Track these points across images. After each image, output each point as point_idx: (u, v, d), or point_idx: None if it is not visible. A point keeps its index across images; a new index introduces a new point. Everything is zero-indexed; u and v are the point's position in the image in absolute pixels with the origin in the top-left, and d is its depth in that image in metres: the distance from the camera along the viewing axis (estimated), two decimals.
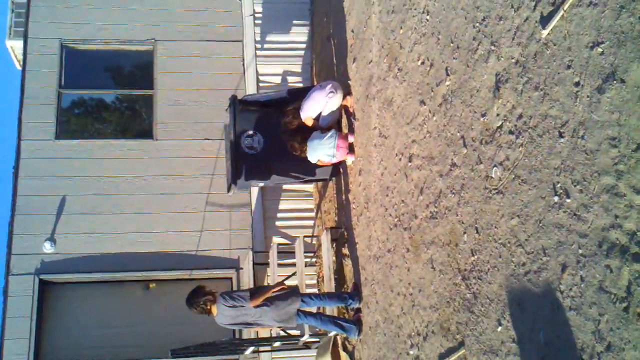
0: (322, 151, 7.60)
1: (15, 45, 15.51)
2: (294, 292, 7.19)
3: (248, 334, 8.83)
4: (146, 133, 10.46)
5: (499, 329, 4.05)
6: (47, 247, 9.38)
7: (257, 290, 7.24)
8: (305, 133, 7.79)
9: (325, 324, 7.28)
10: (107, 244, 9.61)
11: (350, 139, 7.74)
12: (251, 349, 8.40)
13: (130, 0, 10.76)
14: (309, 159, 7.72)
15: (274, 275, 8.67)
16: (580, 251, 3.26)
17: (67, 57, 10.50)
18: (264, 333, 8.43)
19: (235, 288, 9.63)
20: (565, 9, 3.41)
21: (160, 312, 9.70)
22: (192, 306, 7.01)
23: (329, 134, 7.63)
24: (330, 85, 7.78)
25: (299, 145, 7.72)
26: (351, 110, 7.88)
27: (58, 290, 9.55)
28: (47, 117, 10.07)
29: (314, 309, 7.45)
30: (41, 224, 9.53)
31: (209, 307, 6.97)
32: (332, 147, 7.54)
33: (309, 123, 7.84)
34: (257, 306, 6.91)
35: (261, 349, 8.72)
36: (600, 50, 3.14)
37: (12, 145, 10.23)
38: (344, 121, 8.24)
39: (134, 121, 10.98)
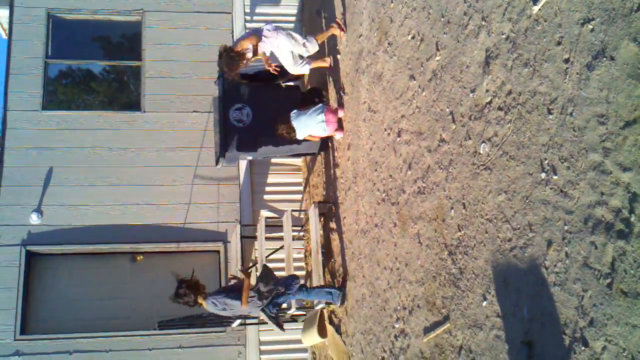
0: (311, 127, 7.57)
1: (1, 15, 15.26)
2: (270, 276, 7.07)
3: None
4: (134, 105, 10.38)
5: (484, 303, 4.09)
6: (34, 219, 9.34)
7: (233, 288, 7.06)
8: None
9: (311, 294, 7.34)
10: (94, 216, 9.57)
11: (340, 114, 7.71)
12: (238, 321, 8.45)
13: None
14: (298, 137, 7.67)
15: (261, 248, 8.69)
16: (566, 227, 3.28)
17: (54, 26, 10.36)
18: None
19: (222, 262, 9.64)
20: None
21: (147, 284, 9.70)
22: (179, 301, 6.86)
23: (315, 107, 7.59)
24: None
25: (286, 126, 7.64)
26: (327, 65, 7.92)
27: (45, 261, 9.53)
28: (33, 88, 9.95)
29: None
30: (28, 195, 9.47)
31: (199, 302, 6.84)
32: (321, 121, 7.51)
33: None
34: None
35: (248, 321, 8.77)
36: (590, 27, 3.13)
37: None
38: (333, 95, 8.21)
39: (122, 93, 10.89)
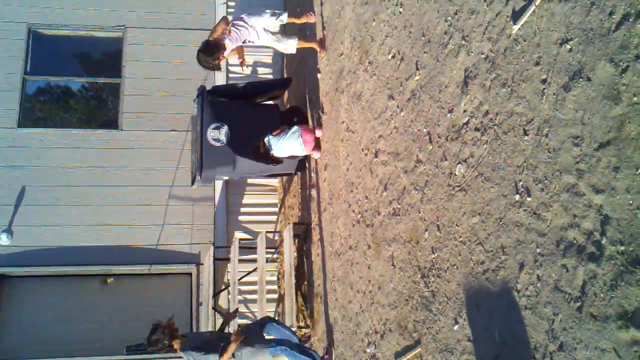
0: (289, 147, 7.51)
1: None
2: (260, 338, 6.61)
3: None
4: (111, 123, 10.26)
5: (456, 327, 4.00)
6: (4, 239, 9.13)
7: (220, 337, 6.50)
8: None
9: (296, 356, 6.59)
10: (66, 237, 9.38)
11: (318, 133, 7.67)
12: None
13: None
14: (277, 156, 7.60)
15: (234, 271, 8.55)
16: (538, 250, 3.22)
17: (34, 42, 10.24)
18: None
19: (194, 285, 9.46)
20: (537, 4, 3.37)
21: (118, 307, 9.50)
22: (152, 348, 6.25)
23: (292, 129, 7.53)
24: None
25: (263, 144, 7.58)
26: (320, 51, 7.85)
27: (14, 283, 9.30)
28: (10, 104, 9.79)
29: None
30: None
31: (174, 347, 6.27)
32: (298, 144, 7.46)
33: None
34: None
35: None
36: (568, 47, 3.10)
37: None
38: (312, 114, 8.17)
39: (100, 110, 10.78)
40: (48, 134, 9.85)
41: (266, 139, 7.53)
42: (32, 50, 10.20)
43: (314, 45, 7.83)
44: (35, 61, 10.22)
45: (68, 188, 9.58)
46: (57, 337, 9.15)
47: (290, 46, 7.74)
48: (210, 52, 7.09)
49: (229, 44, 7.20)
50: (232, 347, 6.10)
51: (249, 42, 7.53)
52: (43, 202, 9.45)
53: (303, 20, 8.12)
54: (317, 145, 7.65)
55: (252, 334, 6.44)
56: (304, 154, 7.66)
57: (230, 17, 7.59)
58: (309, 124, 8.13)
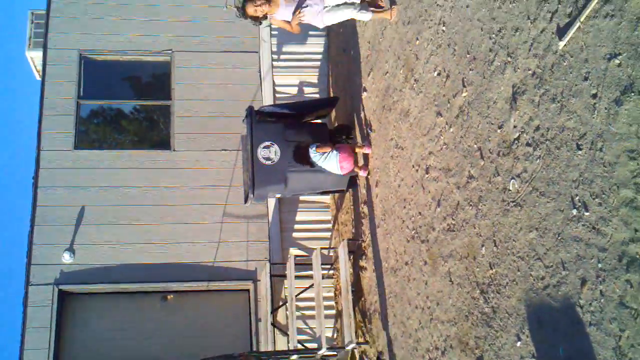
0: (329, 168, 7.80)
1: (35, 56, 15.66)
2: None
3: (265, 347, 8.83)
4: (164, 143, 10.48)
5: (518, 344, 4.00)
6: (66, 258, 9.42)
7: None
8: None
9: None
10: (125, 255, 9.63)
11: (367, 150, 7.73)
12: None
13: (148, 11, 10.84)
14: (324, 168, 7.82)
15: (291, 287, 8.64)
16: (599, 265, 3.21)
17: (85, 67, 10.57)
18: (282, 344, 8.40)
19: (252, 301, 9.59)
20: (582, 20, 3.37)
21: (178, 324, 9.69)
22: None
23: (332, 153, 7.75)
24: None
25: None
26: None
27: (77, 300, 9.58)
28: (66, 127, 10.12)
29: None
30: (60, 235, 9.57)
31: None
32: (336, 168, 7.76)
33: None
34: None
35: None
36: (617, 62, 3.10)
37: (32, 156, 10.26)
38: (360, 132, 8.23)
39: (152, 131, 11.03)
40: (103, 155, 10.14)
41: (310, 150, 7.74)
42: (84, 75, 10.52)
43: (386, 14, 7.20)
44: (88, 85, 10.53)
45: (125, 207, 9.83)
46: (120, 353, 9.37)
47: (364, 17, 7.11)
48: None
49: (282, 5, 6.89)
50: None
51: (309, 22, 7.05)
52: (102, 222, 9.72)
53: (381, 15, 7.30)
54: (366, 164, 7.76)
55: None
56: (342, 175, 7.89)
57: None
58: (357, 142, 8.20)
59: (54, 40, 10.53)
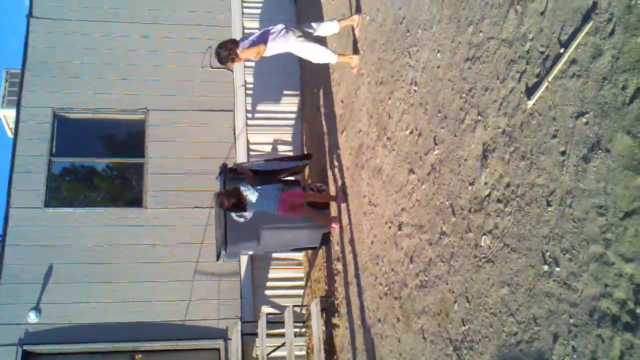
0: (263, 204, 7.55)
1: (7, 114, 15.64)
2: None
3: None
4: (136, 201, 10.44)
5: None
6: (32, 317, 9.21)
7: None
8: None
9: None
10: (93, 314, 9.44)
11: (341, 203, 7.78)
12: None
13: (123, 70, 10.93)
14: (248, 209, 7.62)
15: (262, 345, 8.51)
16: (571, 321, 3.23)
17: (59, 125, 10.57)
18: None
19: (223, 359, 9.43)
20: (549, 80, 3.49)
21: None
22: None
23: (274, 187, 7.64)
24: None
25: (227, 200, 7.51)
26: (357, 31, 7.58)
27: None
28: (37, 185, 10.04)
29: None
30: (27, 293, 9.38)
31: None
32: (274, 197, 7.52)
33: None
34: None
35: None
36: (584, 120, 3.19)
37: (0, 213, 10.12)
38: (333, 190, 8.28)
39: (124, 189, 10.98)
40: (74, 213, 10.05)
41: (243, 188, 7.51)
42: (57, 132, 10.51)
43: (349, 59, 7.55)
44: (61, 143, 10.51)
45: (95, 265, 9.70)
46: None
47: (330, 60, 7.49)
48: (225, 59, 7.22)
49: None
50: None
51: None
52: (70, 280, 9.56)
53: (344, 59, 7.63)
54: (336, 219, 7.80)
55: None
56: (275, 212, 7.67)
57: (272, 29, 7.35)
58: (332, 195, 8.24)
59: (27, 98, 10.55)
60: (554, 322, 3.38)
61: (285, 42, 7.20)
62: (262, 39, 7.21)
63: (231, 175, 8.53)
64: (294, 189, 7.84)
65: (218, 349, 9.64)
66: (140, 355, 9.66)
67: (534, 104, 3.66)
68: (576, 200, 3.24)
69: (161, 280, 9.78)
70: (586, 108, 3.19)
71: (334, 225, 7.94)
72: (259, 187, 7.62)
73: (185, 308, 9.70)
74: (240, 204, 7.40)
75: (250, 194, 7.47)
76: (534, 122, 3.65)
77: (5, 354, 8.98)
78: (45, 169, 10.17)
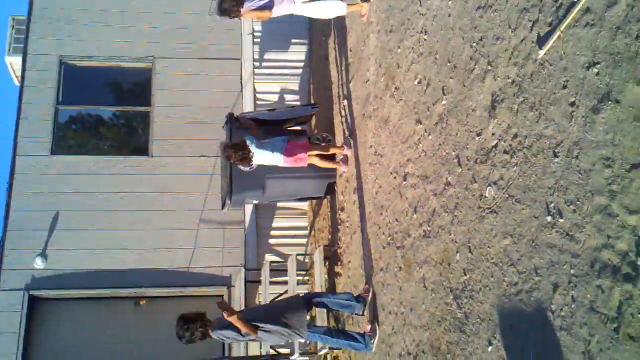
0: (268, 156, 7.54)
1: (14, 61, 15.57)
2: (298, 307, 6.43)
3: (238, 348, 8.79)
4: (142, 150, 10.45)
5: (490, 348, 4.02)
6: (38, 263, 9.32)
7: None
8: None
9: (338, 339, 6.42)
10: (99, 260, 9.55)
11: (347, 151, 7.75)
12: None
13: (130, 18, 10.81)
14: (255, 161, 7.57)
15: (265, 292, 8.62)
16: (572, 271, 3.25)
17: (65, 73, 10.51)
18: (254, 349, 8.35)
19: None
20: (562, 29, 3.43)
21: (151, 329, 9.61)
22: (188, 338, 6.18)
23: (280, 138, 7.63)
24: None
25: (234, 152, 7.48)
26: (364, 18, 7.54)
27: (48, 305, 9.46)
28: (43, 133, 10.04)
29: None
30: (33, 240, 9.47)
31: (207, 333, 6.19)
32: (278, 155, 7.53)
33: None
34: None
35: None
36: (595, 70, 3.15)
37: (7, 161, 10.17)
38: (340, 139, 8.25)
39: (131, 138, 10.98)
40: (80, 160, 10.08)
41: (249, 141, 7.50)
42: (63, 80, 10.47)
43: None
44: (67, 91, 10.48)
45: (101, 213, 9.77)
46: (91, 359, 9.28)
47: (340, 11, 7.45)
48: (228, 12, 7.28)
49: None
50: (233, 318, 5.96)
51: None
52: (76, 227, 9.65)
53: (355, 8, 7.59)
54: (345, 160, 7.78)
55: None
56: (281, 164, 7.68)
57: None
58: (338, 146, 8.21)
59: (33, 45, 10.47)
60: (554, 273, 3.40)
61: (290, 5, 7.25)
62: (268, 5, 7.22)
63: (238, 124, 8.50)
64: (300, 139, 7.82)
65: (222, 296, 9.77)
66: (145, 301, 9.81)
67: (545, 53, 3.61)
68: (583, 152, 3.22)
69: (167, 227, 9.85)
70: (598, 58, 3.14)
71: (343, 168, 7.85)
72: (264, 140, 7.60)
73: (190, 255, 9.80)
74: (246, 157, 7.39)
75: (256, 147, 7.46)
76: (544, 72, 3.61)
77: (12, 298, 9.13)
78: (51, 117, 10.16)
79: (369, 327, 6.48)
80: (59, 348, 9.30)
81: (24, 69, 10.37)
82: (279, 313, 6.29)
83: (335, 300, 6.52)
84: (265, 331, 6.12)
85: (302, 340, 6.72)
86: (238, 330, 6.07)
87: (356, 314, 6.60)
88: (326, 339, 6.34)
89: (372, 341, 6.34)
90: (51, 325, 9.41)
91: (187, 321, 6.13)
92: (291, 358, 7.91)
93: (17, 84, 13.50)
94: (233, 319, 5.96)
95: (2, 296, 9.15)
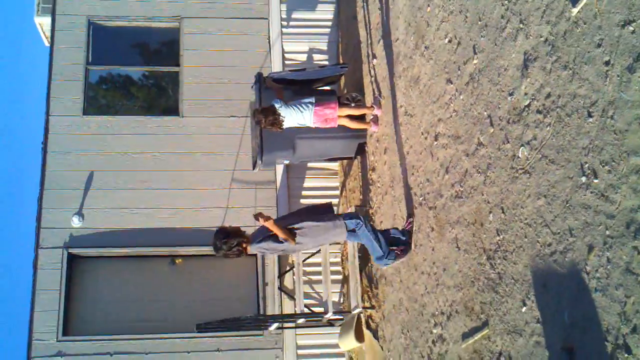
0: (297, 116, 7.64)
1: (43, 22, 15.61)
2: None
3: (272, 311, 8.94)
4: (172, 110, 10.51)
5: (524, 309, 4.05)
6: (75, 222, 9.52)
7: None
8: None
9: (371, 232, 6.24)
10: (134, 219, 9.72)
11: (377, 112, 7.73)
12: (275, 325, 8.49)
13: None
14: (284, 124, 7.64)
15: (297, 253, 8.72)
16: (607, 232, 3.23)
17: (94, 33, 10.57)
18: (289, 307, 8.47)
19: (259, 266, 9.69)
20: None
21: (186, 287, 9.81)
22: (226, 251, 6.07)
23: (307, 99, 7.69)
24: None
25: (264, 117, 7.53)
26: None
27: (86, 263, 9.70)
28: (74, 93, 10.15)
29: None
30: (69, 199, 9.66)
31: (244, 248, 6.12)
32: (308, 114, 7.62)
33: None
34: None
35: (285, 325, 8.80)
36: (631, 28, 3.08)
37: (41, 121, 10.31)
38: (370, 99, 8.21)
39: (161, 98, 11.04)
40: (112, 121, 10.19)
41: (277, 105, 7.56)
42: (92, 41, 10.53)
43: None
44: (96, 52, 10.54)
45: (134, 173, 9.91)
46: (128, 315, 9.52)
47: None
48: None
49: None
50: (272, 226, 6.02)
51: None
52: (111, 186, 9.81)
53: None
54: (376, 120, 7.77)
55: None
56: (310, 124, 7.74)
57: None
58: (368, 106, 8.16)
59: (62, 6, 10.51)
60: (589, 234, 3.39)
61: None
62: None
63: (267, 84, 8.49)
64: (329, 99, 7.80)
65: (255, 255, 9.90)
66: (180, 260, 9.99)
67: (578, 11, 3.53)
68: (618, 112, 3.17)
69: (199, 188, 9.96)
70: (633, 16, 3.07)
71: (373, 128, 7.84)
72: (293, 102, 7.60)
73: (222, 215, 9.91)
74: (277, 121, 7.41)
75: (284, 110, 7.48)
76: (577, 31, 3.54)
77: (52, 256, 9.37)
78: (82, 77, 10.26)
79: (409, 222, 6.46)
80: (98, 305, 9.56)
81: (53, 30, 10.44)
82: (312, 212, 6.44)
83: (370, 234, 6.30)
84: (302, 236, 6.11)
85: (339, 239, 6.55)
86: (275, 240, 6.08)
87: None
88: (360, 225, 6.19)
89: (392, 262, 6.35)
90: (90, 282, 9.66)
91: (226, 234, 6.07)
92: (325, 316, 8.04)
93: (47, 44, 13.55)
94: (269, 224, 5.98)
95: (43, 254, 9.39)
